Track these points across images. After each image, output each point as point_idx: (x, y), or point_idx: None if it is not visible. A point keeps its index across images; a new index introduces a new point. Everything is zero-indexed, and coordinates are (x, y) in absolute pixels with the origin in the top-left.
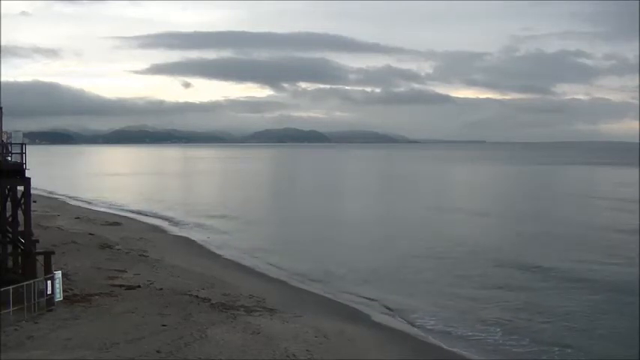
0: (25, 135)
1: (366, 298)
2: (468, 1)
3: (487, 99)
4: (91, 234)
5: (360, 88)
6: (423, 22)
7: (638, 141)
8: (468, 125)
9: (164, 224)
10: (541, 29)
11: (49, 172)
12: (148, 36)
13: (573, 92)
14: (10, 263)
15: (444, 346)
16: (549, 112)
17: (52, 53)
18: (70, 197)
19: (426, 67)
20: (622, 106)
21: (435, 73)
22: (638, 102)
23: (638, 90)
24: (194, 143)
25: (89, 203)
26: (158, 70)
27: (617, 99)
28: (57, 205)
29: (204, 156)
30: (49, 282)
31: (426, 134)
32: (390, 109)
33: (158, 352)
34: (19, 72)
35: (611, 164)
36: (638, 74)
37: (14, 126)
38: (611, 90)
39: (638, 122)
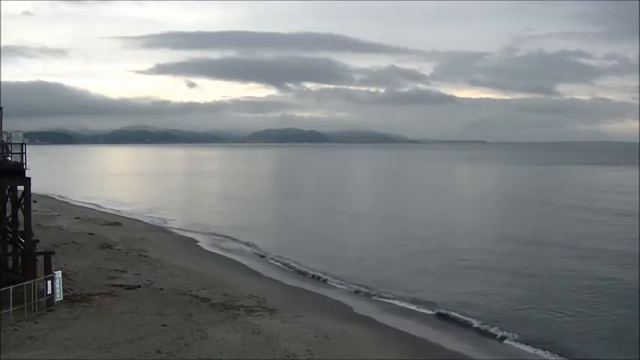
0: (25, 135)
1: (366, 297)
2: (469, 0)
3: (488, 99)
4: (91, 234)
5: (365, 89)
6: (424, 22)
7: (638, 141)
8: (469, 125)
9: (164, 224)
10: (542, 29)
11: (49, 172)
12: (152, 36)
13: (574, 92)
14: (10, 263)
15: (444, 346)
16: (550, 112)
17: (60, 53)
18: (70, 197)
19: (429, 67)
20: (623, 106)
21: (438, 73)
22: (638, 102)
23: (638, 90)
24: (194, 143)
25: (89, 203)
26: (162, 70)
27: (618, 99)
28: (57, 205)
29: (197, 156)
30: (49, 282)
31: (426, 134)
32: (393, 109)
33: (158, 352)
34: (22, 72)
35: (609, 164)
36: (638, 74)
37: (14, 126)
38: (612, 90)
39: (638, 122)
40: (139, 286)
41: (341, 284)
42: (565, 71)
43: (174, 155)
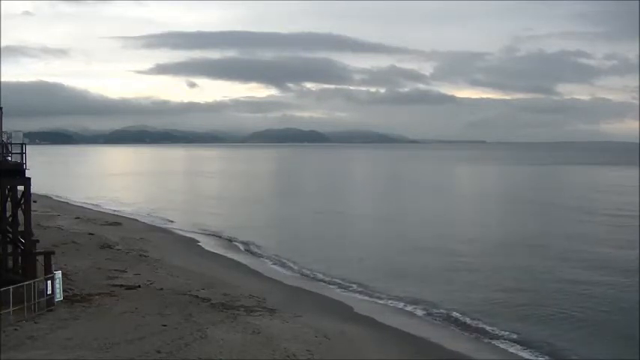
0: (25, 135)
1: (368, 297)
2: (469, 0)
3: (488, 99)
4: (91, 234)
5: (365, 89)
6: (424, 22)
7: (638, 141)
8: (469, 125)
9: (164, 224)
10: (542, 29)
11: (49, 172)
12: (152, 36)
13: (574, 92)
14: (10, 263)
15: (444, 346)
16: (550, 112)
17: (60, 53)
18: (70, 197)
19: (429, 67)
20: (623, 106)
21: (438, 73)
22: (638, 102)
23: (638, 90)
24: (194, 143)
25: (89, 203)
26: (162, 70)
27: (618, 99)
28: (57, 205)
29: (197, 156)
30: (49, 282)
31: (426, 134)
32: (393, 109)
33: (158, 352)
34: (22, 72)
35: (609, 164)
36: (638, 74)
37: (14, 126)
38: (612, 90)
39: (638, 122)
40: (139, 286)
41: (341, 284)
42: (565, 71)
43: (174, 155)
